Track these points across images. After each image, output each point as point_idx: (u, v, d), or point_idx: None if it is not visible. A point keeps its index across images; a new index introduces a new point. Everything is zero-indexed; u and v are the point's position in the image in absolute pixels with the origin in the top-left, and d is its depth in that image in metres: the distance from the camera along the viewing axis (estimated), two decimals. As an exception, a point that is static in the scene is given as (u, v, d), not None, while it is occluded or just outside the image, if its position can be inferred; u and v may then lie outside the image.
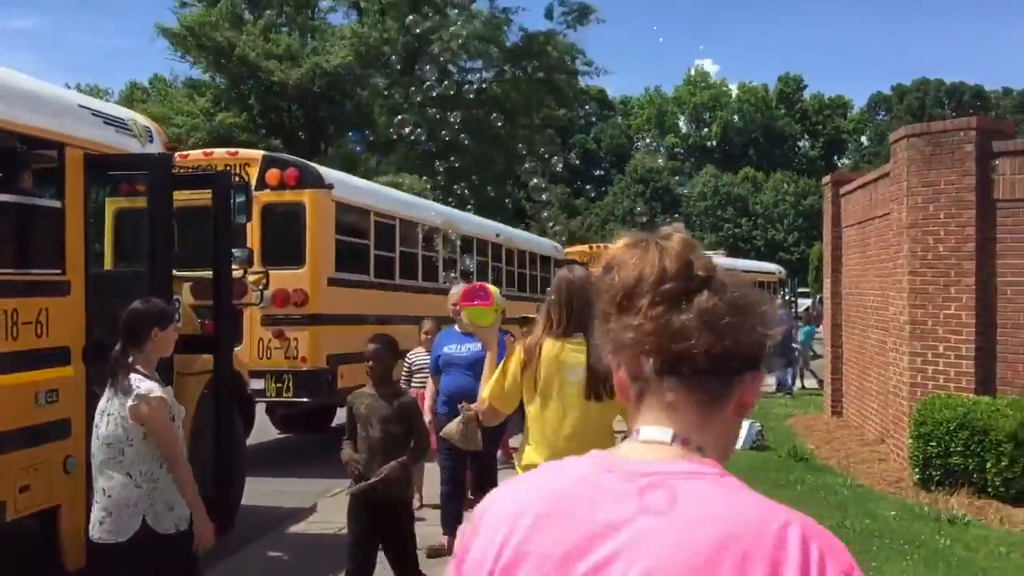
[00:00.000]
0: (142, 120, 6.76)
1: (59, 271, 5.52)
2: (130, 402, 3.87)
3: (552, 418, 3.75)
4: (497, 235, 15.60)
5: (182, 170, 8.09)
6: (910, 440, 8.57)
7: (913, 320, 9.28)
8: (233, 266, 7.38)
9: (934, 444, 8.13)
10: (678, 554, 1.05)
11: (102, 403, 4.03)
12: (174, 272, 6.65)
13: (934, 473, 8.21)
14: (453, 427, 4.67)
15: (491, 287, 4.19)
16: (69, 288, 5.56)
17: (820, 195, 57.55)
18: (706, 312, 1.16)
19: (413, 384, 7.72)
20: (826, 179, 14.15)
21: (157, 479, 3.91)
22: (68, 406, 5.51)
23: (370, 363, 5.17)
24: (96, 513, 3.92)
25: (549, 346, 3.77)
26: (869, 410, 11.48)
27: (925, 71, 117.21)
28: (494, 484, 6.67)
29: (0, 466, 4.94)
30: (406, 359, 7.81)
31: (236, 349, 8.33)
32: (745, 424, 10.61)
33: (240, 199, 7.23)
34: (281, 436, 12.17)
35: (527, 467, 3.68)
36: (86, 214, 5.81)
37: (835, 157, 76.21)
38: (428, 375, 7.35)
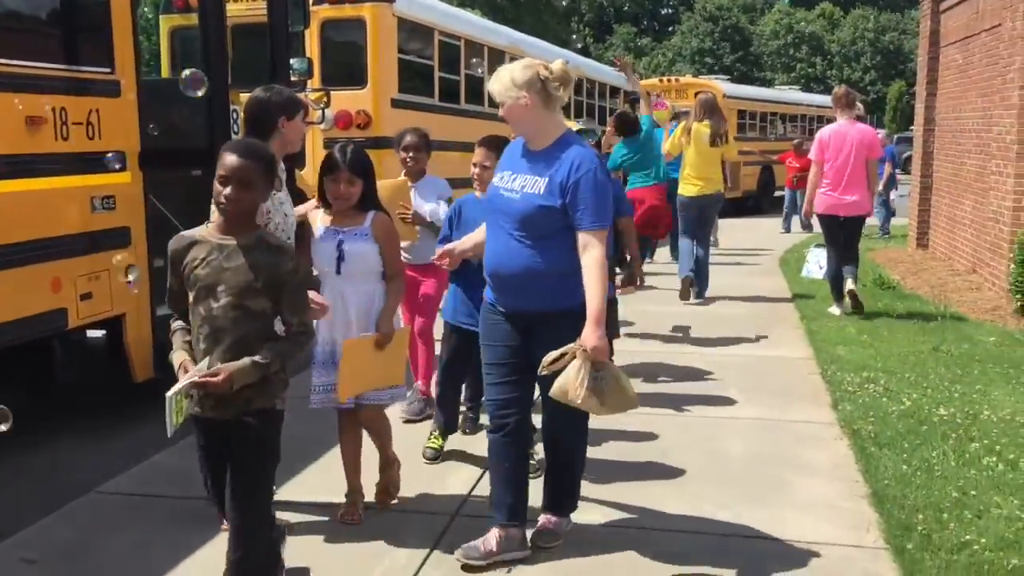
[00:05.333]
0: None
1: (108, 70, 5.16)
2: None
3: (693, 153, 9.12)
4: (566, 62, 14.81)
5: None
6: (1013, 267, 8.01)
7: (1021, 140, 8.54)
8: (292, 77, 6.96)
9: (1040, 270, 7.59)
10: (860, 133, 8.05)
11: None
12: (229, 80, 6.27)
13: (1037, 300, 7.71)
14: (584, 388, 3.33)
15: (666, 101, 11.27)
16: (120, 88, 5.22)
17: (901, 31, 54.45)
18: None
19: None
20: (924, -6, 13.02)
21: None
22: (126, 214, 5.29)
23: None
24: None
25: (695, 125, 9.13)
26: (960, 240, 10.85)
27: None
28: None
29: (59, 271, 4.77)
30: None
31: (299, 173, 8.07)
32: (824, 253, 10.09)
33: (296, 5, 6.75)
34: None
35: (686, 176, 9.23)
36: (134, 11, 5.40)
37: (919, -9, 71.61)
38: None
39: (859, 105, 15.22)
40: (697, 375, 6.34)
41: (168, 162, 5.65)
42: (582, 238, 3.38)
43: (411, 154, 5.40)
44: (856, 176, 7.80)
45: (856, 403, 5.43)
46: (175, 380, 2.83)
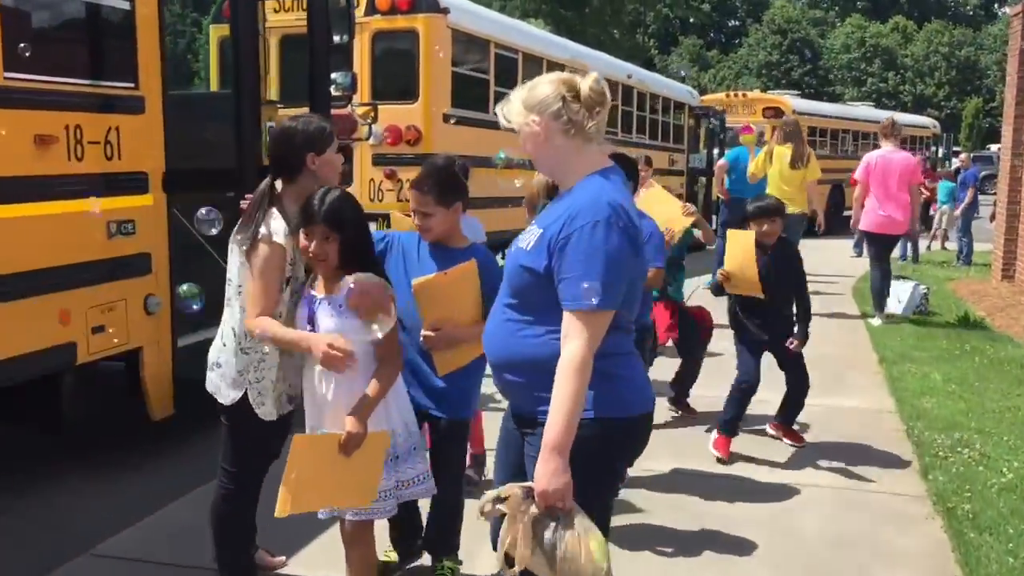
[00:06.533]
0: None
1: (131, 84, 4.78)
2: (247, 238, 3.05)
3: (775, 175, 9.71)
4: (629, 76, 14.26)
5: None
6: (1119, 309, 7.27)
7: None
8: (335, 92, 6.56)
9: None
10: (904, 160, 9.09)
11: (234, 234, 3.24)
12: (270, 99, 5.89)
13: None
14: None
15: (753, 126, 10.36)
16: (143, 105, 4.84)
17: (977, 46, 53.05)
18: None
19: None
20: (1016, 8, 12.20)
21: (269, 349, 3.11)
22: (147, 239, 4.90)
23: None
24: (213, 353, 3.25)
25: (778, 148, 9.78)
26: (1053, 275, 10.05)
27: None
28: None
29: (67, 303, 4.37)
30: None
31: (347, 190, 7.60)
32: (908, 286, 9.40)
33: (340, 14, 6.36)
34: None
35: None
36: (161, 21, 5.02)
37: (996, 5, 69.53)
38: None
39: (934, 123, 14.93)
40: (760, 428, 5.68)
41: (194, 183, 5.26)
42: (564, 320, 2.35)
43: None
44: (899, 199, 8.80)
45: (949, 472, 4.79)
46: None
